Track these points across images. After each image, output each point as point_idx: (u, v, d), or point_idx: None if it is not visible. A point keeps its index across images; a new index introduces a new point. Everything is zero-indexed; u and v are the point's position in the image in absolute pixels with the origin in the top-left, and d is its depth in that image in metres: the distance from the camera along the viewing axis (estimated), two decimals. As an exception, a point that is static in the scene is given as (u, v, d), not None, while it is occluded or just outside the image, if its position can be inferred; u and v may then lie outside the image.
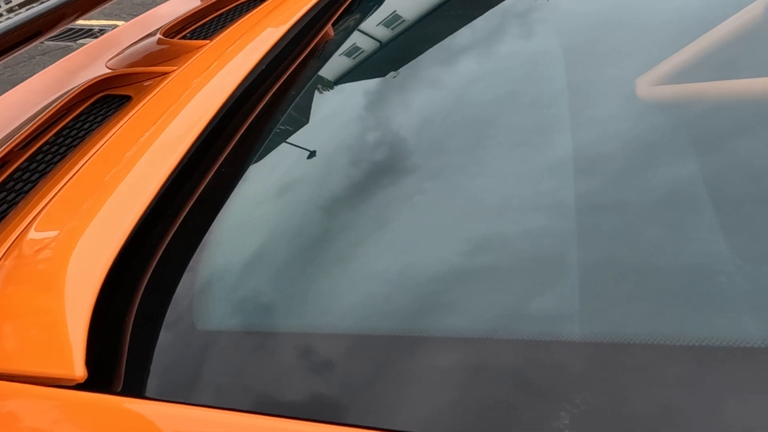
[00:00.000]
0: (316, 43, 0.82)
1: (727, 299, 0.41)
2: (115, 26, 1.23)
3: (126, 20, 1.18)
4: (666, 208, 0.50)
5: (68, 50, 1.10)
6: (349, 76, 0.81)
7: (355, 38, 0.85)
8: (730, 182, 0.50)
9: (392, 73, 0.83)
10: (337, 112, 0.76)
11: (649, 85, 0.69)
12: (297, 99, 0.73)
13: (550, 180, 0.57)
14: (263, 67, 0.69)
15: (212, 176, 0.58)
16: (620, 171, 0.55)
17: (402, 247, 0.54)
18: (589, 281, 0.45)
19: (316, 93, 0.75)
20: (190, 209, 0.55)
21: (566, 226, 0.51)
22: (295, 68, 0.76)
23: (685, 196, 0.50)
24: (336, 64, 0.80)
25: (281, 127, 0.68)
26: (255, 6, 0.95)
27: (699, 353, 0.37)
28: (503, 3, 0.93)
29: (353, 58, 0.81)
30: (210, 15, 0.96)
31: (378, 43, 0.87)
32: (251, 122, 0.65)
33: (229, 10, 0.98)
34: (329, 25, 0.87)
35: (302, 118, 0.71)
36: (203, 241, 0.56)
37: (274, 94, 0.72)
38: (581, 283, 0.44)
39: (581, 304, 0.43)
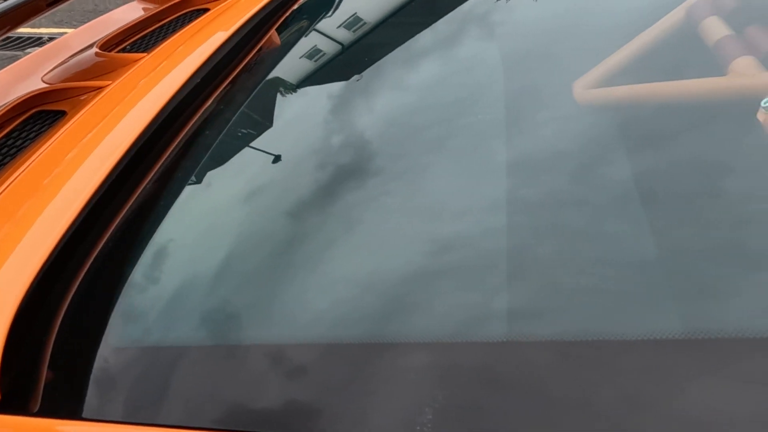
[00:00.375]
0: (253, 54, 0.82)
1: (655, 294, 0.43)
2: (65, 34, 1.21)
3: (76, 27, 1.15)
4: (604, 205, 0.52)
5: (15, 59, 1.08)
6: (286, 86, 0.81)
7: (293, 49, 0.86)
8: (660, 180, 0.53)
9: (332, 82, 0.84)
10: (273, 120, 0.77)
11: (585, 89, 0.72)
12: (233, 110, 0.73)
13: (496, 181, 0.59)
14: (198, 80, 0.69)
15: (138, 194, 0.58)
16: (562, 170, 0.58)
17: (334, 257, 0.55)
18: (547, 280, 0.46)
19: (254, 103, 0.75)
20: (115, 227, 0.55)
21: (519, 224, 0.52)
22: (231, 80, 0.76)
23: (619, 193, 0.53)
24: (272, 74, 0.80)
25: (214, 140, 0.68)
26: (196, 17, 0.95)
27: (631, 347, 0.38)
28: (446, 12, 0.94)
29: (291, 69, 0.82)
30: (151, 26, 0.96)
31: (319, 53, 0.88)
32: (182, 137, 0.65)
33: (171, 21, 0.97)
34: (267, 37, 0.87)
35: (238, 129, 0.71)
36: (126, 258, 0.55)
37: (209, 105, 0.72)
38: (540, 282, 0.46)
39: (546, 302, 0.44)
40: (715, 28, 0.68)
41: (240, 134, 0.73)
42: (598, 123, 0.67)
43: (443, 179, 0.62)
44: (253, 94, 0.77)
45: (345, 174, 0.65)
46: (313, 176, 0.65)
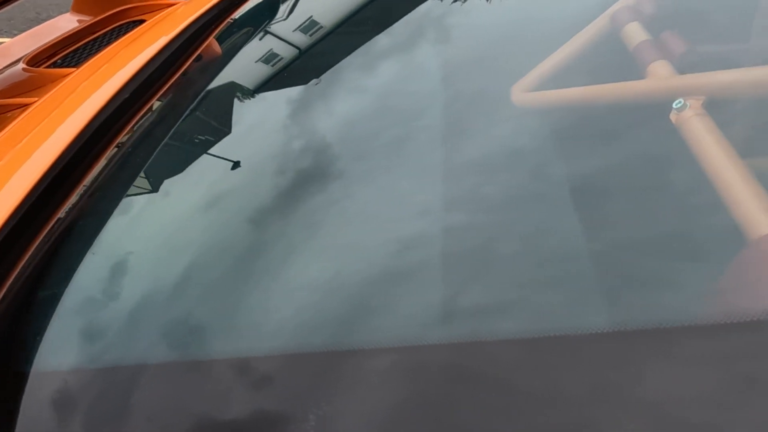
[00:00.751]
0: (190, 64, 0.81)
1: (588, 292, 0.45)
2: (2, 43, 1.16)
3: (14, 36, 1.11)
4: (544, 202, 0.54)
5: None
6: (224, 94, 0.80)
7: (231, 58, 0.85)
8: (588, 178, 0.55)
9: (271, 90, 0.84)
10: (212, 129, 0.76)
11: (522, 92, 0.74)
12: (169, 120, 0.72)
13: (442, 183, 0.60)
14: (127, 93, 0.68)
15: (60, 213, 0.57)
16: (504, 169, 0.59)
17: (284, 268, 0.55)
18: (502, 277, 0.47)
19: (191, 112, 0.74)
20: (38, 246, 0.53)
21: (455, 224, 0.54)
22: (166, 90, 0.74)
23: (554, 191, 0.55)
24: (211, 83, 0.79)
25: (148, 151, 0.67)
26: (133, 28, 0.93)
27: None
28: (386, 18, 0.95)
29: (229, 77, 0.81)
30: (84, 39, 0.93)
31: (258, 61, 0.87)
32: (111, 152, 0.64)
33: (105, 33, 0.95)
34: (204, 45, 0.86)
35: (174, 139, 0.70)
36: (51, 279, 0.54)
37: (142, 117, 0.71)
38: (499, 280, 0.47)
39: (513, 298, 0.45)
40: (635, 34, 0.71)
41: (176, 144, 0.72)
42: (533, 124, 0.69)
43: (382, 184, 0.63)
44: (191, 103, 0.76)
45: (283, 181, 0.66)
46: (251, 183, 0.65)
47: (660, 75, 0.62)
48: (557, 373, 0.37)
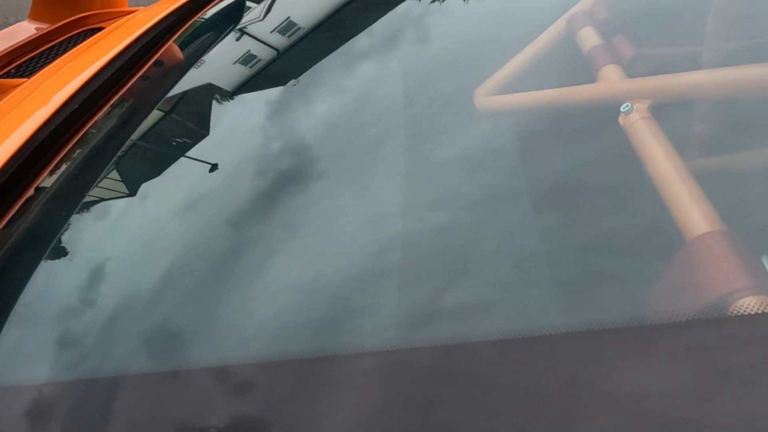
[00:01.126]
0: (147, 69, 0.80)
1: (539, 291, 0.45)
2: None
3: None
4: (504, 204, 0.54)
5: None
6: (180, 103, 0.80)
7: (190, 63, 0.84)
8: (544, 179, 0.56)
9: (228, 97, 0.83)
10: (164, 136, 0.75)
11: (484, 96, 0.75)
12: (124, 127, 0.71)
13: (413, 184, 0.60)
14: (76, 105, 0.66)
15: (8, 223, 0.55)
16: (467, 173, 0.60)
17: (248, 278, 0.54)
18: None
19: (144, 119, 0.74)
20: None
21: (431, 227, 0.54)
22: (120, 97, 0.73)
23: (514, 191, 0.56)
24: (163, 93, 0.79)
25: (91, 170, 0.65)
26: (91, 35, 0.92)
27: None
28: (349, 25, 0.96)
29: (184, 87, 0.80)
30: (41, 47, 0.91)
31: (215, 66, 0.87)
32: (55, 164, 0.62)
33: (62, 41, 0.93)
34: (163, 50, 0.85)
35: (114, 153, 0.69)
36: (14, 290, 0.53)
37: (95, 122, 0.69)
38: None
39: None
40: (589, 38, 0.72)
41: (133, 150, 0.71)
42: (493, 127, 0.70)
43: (345, 189, 0.64)
44: (150, 109, 0.75)
45: (241, 187, 0.65)
46: (214, 188, 0.64)
47: (610, 79, 0.63)
48: (513, 371, 0.37)
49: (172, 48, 0.86)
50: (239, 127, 0.78)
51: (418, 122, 0.73)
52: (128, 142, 0.71)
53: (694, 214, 0.40)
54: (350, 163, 0.69)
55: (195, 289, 0.53)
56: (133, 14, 0.92)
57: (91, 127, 0.67)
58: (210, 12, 0.99)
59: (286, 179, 0.66)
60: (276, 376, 0.42)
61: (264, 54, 0.88)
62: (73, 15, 0.98)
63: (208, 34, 0.95)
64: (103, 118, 0.71)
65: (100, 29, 0.93)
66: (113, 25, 0.90)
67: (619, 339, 0.35)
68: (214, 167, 0.66)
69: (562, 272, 0.45)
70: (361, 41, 0.91)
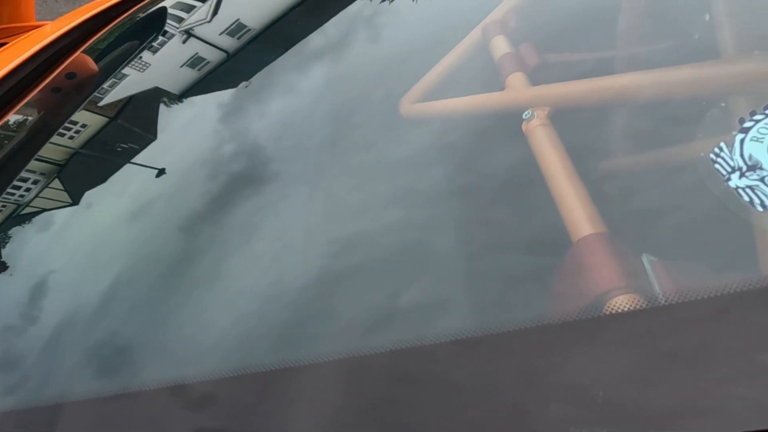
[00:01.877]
0: (51, 80, 0.77)
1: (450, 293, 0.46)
2: None
3: None
4: (425, 210, 0.55)
5: None
6: (96, 110, 0.77)
7: (103, 74, 0.82)
8: (458, 184, 0.58)
9: (145, 105, 0.81)
10: (95, 151, 0.73)
11: (409, 103, 0.76)
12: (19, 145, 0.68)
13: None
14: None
15: None
16: (390, 179, 0.61)
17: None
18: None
19: (43, 133, 0.71)
20: None
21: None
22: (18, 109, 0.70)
23: (434, 199, 0.57)
24: (76, 104, 0.76)
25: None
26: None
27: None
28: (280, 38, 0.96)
29: (99, 94, 0.78)
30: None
31: (128, 77, 0.84)
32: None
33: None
34: (72, 59, 0.82)
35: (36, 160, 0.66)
36: None
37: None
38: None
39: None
40: (499, 47, 0.75)
41: (43, 164, 0.68)
42: (414, 135, 0.72)
43: (276, 198, 0.64)
44: (60, 119, 0.73)
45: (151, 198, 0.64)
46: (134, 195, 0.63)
47: (515, 87, 0.65)
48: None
49: (82, 57, 0.83)
50: (170, 133, 0.76)
51: (345, 130, 0.74)
52: (41, 151, 0.68)
53: (580, 217, 0.42)
54: (277, 170, 0.69)
55: (146, 301, 0.51)
56: (40, 28, 0.88)
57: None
58: (128, 20, 0.96)
59: (214, 185, 0.65)
60: (234, 390, 0.41)
61: (178, 63, 0.86)
62: (-24, 29, 0.93)
63: (129, 43, 0.92)
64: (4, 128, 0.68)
65: (2, 45, 0.88)
66: (18, 39, 0.86)
67: (509, 339, 0.36)
68: (160, 172, 0.65)
69: (465, 273, 0.47)
70: (292, 54, 0.91)
